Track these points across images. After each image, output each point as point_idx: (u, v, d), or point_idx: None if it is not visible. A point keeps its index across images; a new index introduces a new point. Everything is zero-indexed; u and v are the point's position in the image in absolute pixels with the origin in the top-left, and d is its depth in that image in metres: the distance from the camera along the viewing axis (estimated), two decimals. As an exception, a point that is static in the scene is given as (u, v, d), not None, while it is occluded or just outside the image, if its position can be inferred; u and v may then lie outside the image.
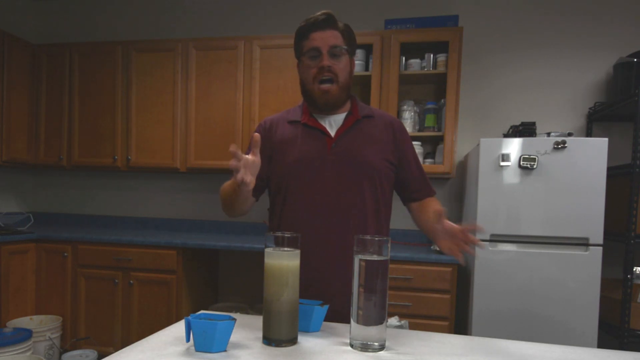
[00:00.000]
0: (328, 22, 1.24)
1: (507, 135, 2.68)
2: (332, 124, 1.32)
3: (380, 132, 1.33)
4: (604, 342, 2.45)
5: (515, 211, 2.31)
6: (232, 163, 1.00)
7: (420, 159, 2.61)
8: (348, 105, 1.35)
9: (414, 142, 2.26)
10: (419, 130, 2.84)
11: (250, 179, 1.02)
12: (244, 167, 1.01)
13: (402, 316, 2.23)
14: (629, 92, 2.44)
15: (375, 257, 0.91)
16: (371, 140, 1.30)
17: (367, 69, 2.86)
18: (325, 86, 1.25)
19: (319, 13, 1.25)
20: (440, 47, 2.76)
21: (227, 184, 1.30)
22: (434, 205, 1.31)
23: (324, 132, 1.29)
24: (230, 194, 1.25)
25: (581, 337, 2.23)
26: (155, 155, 3.11)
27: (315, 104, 1.30)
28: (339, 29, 1.26)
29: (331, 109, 1.31)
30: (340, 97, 1.28)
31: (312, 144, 1.29)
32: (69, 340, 2.89)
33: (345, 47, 1.26)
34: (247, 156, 1.04)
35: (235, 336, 0.96)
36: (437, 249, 2.54)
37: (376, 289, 0.90)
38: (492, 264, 2.32)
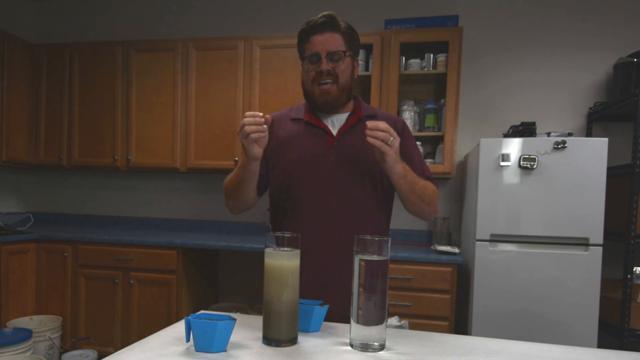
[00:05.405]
0: (327, 25, 1.24)
1: (507, 135, 2.68)
2: (335, 123, 1.32)
3: None
4: (604, 342, 2.44)
5: (515, 211, 2.30)
6: (251, 127, 1.10)
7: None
8: (351, 106, 1.36)
9: (414, 142, 2.25)
10: (419, 130, 2.84)
11: (258, 149, 1.14)
12: (257, 132, 1.10)
13: (402, 316, 2.23)
14: (629, 92, 2.44)
15: (375, 257, 0.90)
16: None
17: (367, 69, 2.86)
18: (326, 86, 1.26)
19: (319, 15, 1.25)
20: (440, 47, 2.76)
21: (231, 175, 1.33)
22: None
23: (326, 131, 1.30)
24: (235, 180, 1.28)
25: (581, 337, 2.23)
26: (155, 155, 3.11)
27: (315, 105, 1.31)
28: (339, 31, 1.25)
29: (330, 110, 1.31)
30: (340, 98, 1.29)
31: (313, 142, 1.29)
32: (69, 340, 2.89)
33: (344, 50, 1.25)
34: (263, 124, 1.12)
35: (235, 336, 0.96)
36: (438, 248, 2.54)
37: (376, 289, 0.90)
38: (492, 264, 2.32)
